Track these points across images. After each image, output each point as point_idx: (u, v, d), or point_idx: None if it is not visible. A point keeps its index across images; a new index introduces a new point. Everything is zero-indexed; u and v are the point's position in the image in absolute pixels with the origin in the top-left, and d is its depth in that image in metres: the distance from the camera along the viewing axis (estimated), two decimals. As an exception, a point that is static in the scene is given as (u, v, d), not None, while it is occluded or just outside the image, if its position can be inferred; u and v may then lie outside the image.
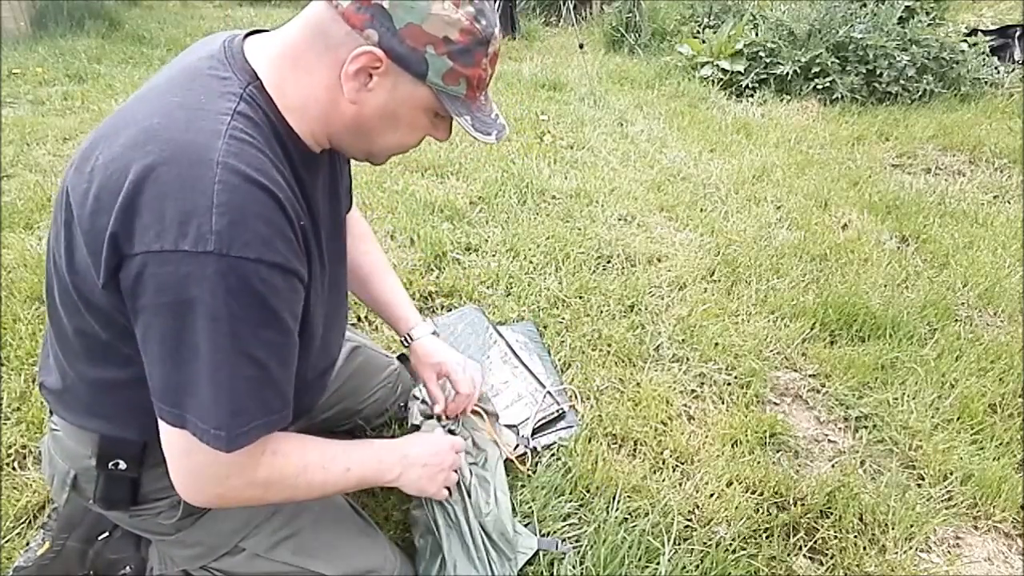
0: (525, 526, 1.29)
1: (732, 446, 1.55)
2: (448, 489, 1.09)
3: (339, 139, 0.82)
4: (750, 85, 4.38)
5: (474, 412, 1.27)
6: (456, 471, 1.11)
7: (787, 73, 4.26)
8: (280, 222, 0.71)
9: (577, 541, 1.29)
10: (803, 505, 1.40)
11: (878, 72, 4.11)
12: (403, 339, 1.24)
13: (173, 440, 0.75)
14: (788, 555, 1.31)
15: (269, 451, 0.81)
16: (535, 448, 1.48)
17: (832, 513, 1.39)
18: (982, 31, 4.71)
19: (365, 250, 1.23)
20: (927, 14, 4.50)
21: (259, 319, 0.71)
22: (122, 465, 0.89)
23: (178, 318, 0.68)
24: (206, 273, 0.66)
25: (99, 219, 0.69)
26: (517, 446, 1.46)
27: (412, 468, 1.01)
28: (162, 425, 0.75)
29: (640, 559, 1.26)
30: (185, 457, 0.76)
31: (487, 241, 2.38)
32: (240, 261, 0.66)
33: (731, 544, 1.31)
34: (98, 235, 0.69)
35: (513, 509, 1.34)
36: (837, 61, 4.19)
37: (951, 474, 1.49)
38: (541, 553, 1.24)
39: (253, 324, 0.70)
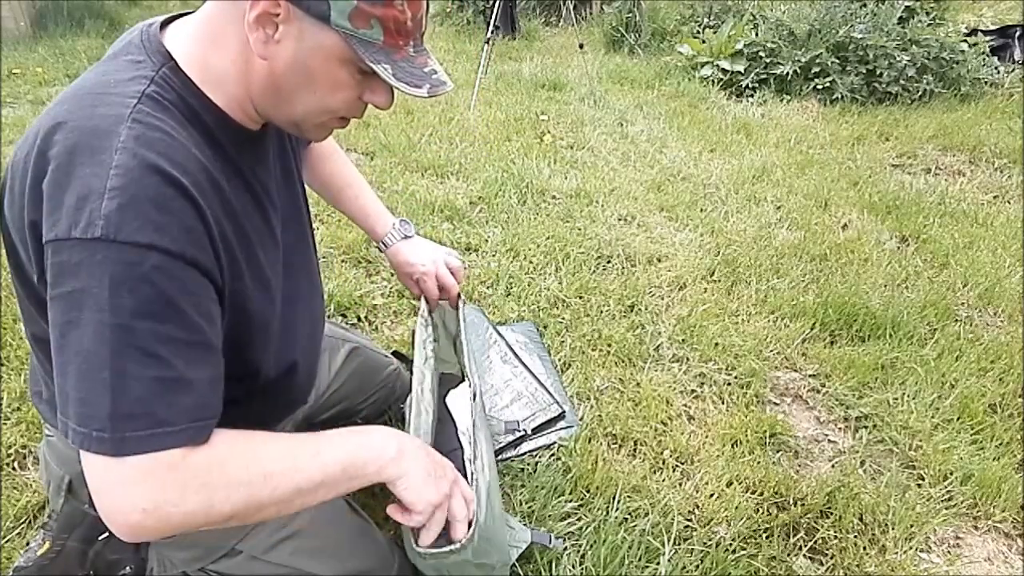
0: (524, 526, 1.29)
1: (732, 446, 1.55)
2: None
3: (262, 106, 0.76)
4: (750, 85, 4.38)
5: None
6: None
7: (787, 73, 4.26)
8: (180, 209, 0.65)
9: (577, 541, 1.29)
10: (803, 505, 1.40)
11: (878, 72, 4.11)
12: (378, 247, 1.26)
13: (85, 463, 0.64)
14: (788, 555, 1.31)
15: (200, 451, 0.68)
16: (526, 431, 1.48)
17: (832, 513, 1.38)
18: (982, 31, 4.71)
19: (331, 170, 1.23)
20: (927, 14, 4.51)
21: (153, 311, 0.63)
22: None
23: (69, 311, 0.63)
24: (94, 260, 0.61)
25: (20, 211, 0.67)
26: (513, 430, 1.46)
27: (411, 459, 0.81)
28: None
29: (640, 559, 1.26)
30: (95, 478, 0.64)
31: (487, 241, 2.38)
32: (128, 247, 0.61)
33: (731, 544, 1.31)
34: (20, 228, 0.67)
35: (512, 509, 1.34)
36: (837, 61, 4.19)
37: (951, 474, 1.48)
38: (540, 553, 1.24)
39: (147, 317, 0.63)
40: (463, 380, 1.25)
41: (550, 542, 1.24)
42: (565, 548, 1.27)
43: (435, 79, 0.74)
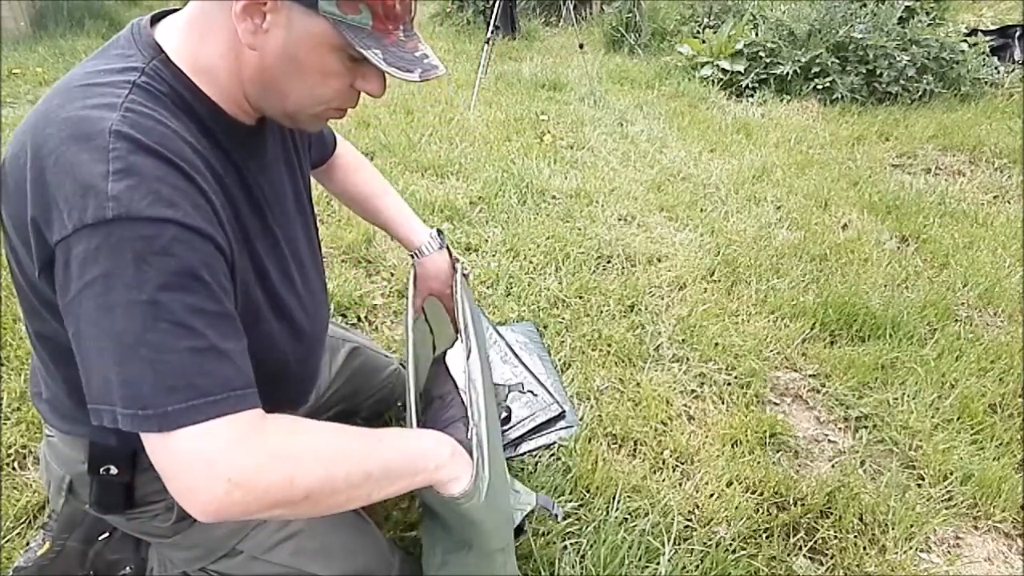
0: (529, 490, 1.28)
1: (732, 446, 1.55)
2: None
3: (255, 98, 0.76)
4: (750, 85, 4.38)
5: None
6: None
7: (787, 73, 4.26)
8: (184, 187, 0.65)
9: (577, 541, 1.29)
10: (803, 505, 1.40)
11: (878, 72, 4.11)
12: (412, 255, 1.25)
13: (149, 448, 0.64)
14: (788, 555, 1.31)
15: (269, 418, 0.69)
16: (527, 450, 1.48)
17: (832, 513, 1.38)
18: (982, 31, 4.71)
19: (361, 179, 1.22)
20: (927, 14, 4.51)
21: (179, 283, 0.63)
22: (113, 470, 0.87)
23: (98, 296, 0.62)
24: (111, 241, 0.61)
25: (19, 209, 0.67)
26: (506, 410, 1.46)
27: (462, 462, 0.83)
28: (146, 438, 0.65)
29: (640, 559, 1.26)
30: (163, 459, 0.64)
31: (487, 241, 2.38)
32: (144, 222, 0.61)
33: (731, 544, 1.31)
34: (22, 225, 0.67)
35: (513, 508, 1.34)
36: (837, 61, 4.19)
37: (951, 474, 1.49)
38: (541, 552, 1.24)
39: (173, 289, 0.62)
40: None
41: (553, 508, 1.23)
42: (566, 518, 1.28)
43: (426, 63, 0.74)
